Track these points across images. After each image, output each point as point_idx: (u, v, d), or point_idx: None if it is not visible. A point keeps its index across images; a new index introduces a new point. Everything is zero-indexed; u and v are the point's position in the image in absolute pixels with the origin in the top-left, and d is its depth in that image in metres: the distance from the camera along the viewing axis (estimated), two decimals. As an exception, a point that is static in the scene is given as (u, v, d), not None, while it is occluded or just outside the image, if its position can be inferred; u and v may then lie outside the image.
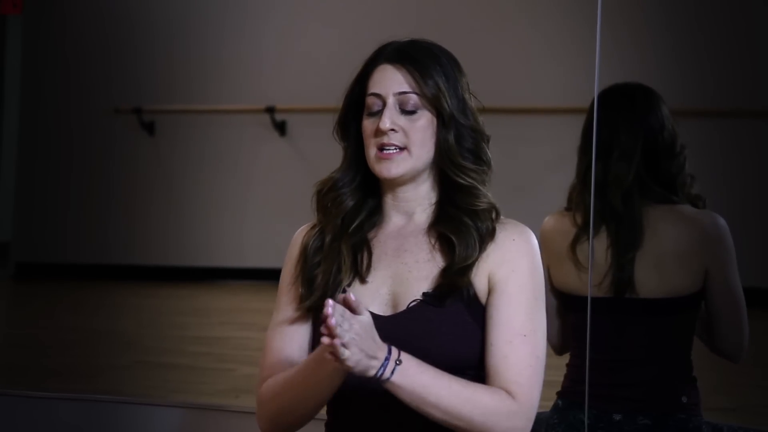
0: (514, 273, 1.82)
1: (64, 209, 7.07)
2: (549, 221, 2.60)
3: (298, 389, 1.80)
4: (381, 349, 1.68)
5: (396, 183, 1.87)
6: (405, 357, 1.70)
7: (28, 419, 3.19)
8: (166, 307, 6.18)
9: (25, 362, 4.59)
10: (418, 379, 1.71)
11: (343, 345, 1.63)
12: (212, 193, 6.81)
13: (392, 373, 1.69)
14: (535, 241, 1.86)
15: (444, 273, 1.82)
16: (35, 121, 7.08)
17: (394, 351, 1.70)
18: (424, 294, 1.82)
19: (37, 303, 6.39)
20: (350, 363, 1.65)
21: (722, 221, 2.50)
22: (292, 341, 1.88)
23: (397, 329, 1.79)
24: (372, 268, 1.87)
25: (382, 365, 1.68)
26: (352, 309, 1.66)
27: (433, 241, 1.86)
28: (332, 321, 1.61)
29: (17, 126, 7.15)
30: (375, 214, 1.91)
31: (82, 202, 7.04)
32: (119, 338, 5.18)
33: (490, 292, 1.82)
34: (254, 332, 5.03)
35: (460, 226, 1.84)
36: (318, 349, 1.73)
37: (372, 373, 1.68)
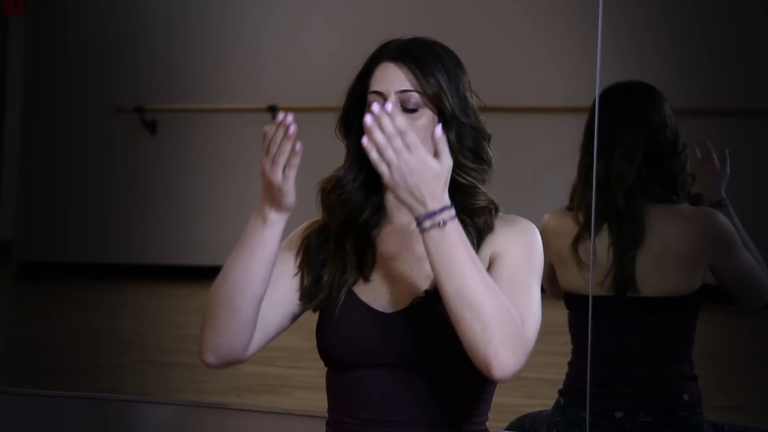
0: (512, 246, 1.81)
1: (66, 208, 7.07)
2: (550, 220, 2.60)
3: (231, 269, 1.79)
4: (435, 200, 1.67)
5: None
6: (452, 225, 1.68)
7: (29, 418, 3.19)
8: (167, 306, 6.18)
9: (26, 361, 4.59)
10: (453, 248, 1.68)
11: (385, 162, 1.64)
12: (213, 192, 6.81)
13: (431, 227, 1.68)
14: (537, 233, 1.85)
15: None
16: (37, 120, 7.09)
17: (447, 213, 1.68)
18: (426, 291, 1.82)
19: (37, 302, 6.40)
20: (387, 181, 1.67)
21: (720, 217, 2.51)
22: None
23: (400, 326, 1.80)
24: (375, 266, 1.87)
25: (427, 215, 1.67)
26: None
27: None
28: (368, 120, 1.64)
29: (19, 125, 7.15)
30: (378, 212, 1.91)
31: (84, 202, 7.05)
32: (120, 337, 5.18)
33: (488, 271, 1.80)
34: (255, 331, 5.03)
35: None
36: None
37: (414, 214, 1.68)
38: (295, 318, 1.91)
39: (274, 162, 1.71)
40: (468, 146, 1.86)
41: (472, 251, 1.70)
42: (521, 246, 1.82)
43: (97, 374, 4.39)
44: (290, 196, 1.74)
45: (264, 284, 1.80)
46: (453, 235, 1.68)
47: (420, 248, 1.86)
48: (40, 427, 3.16)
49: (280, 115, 1.70)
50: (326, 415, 1.91)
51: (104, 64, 7.00)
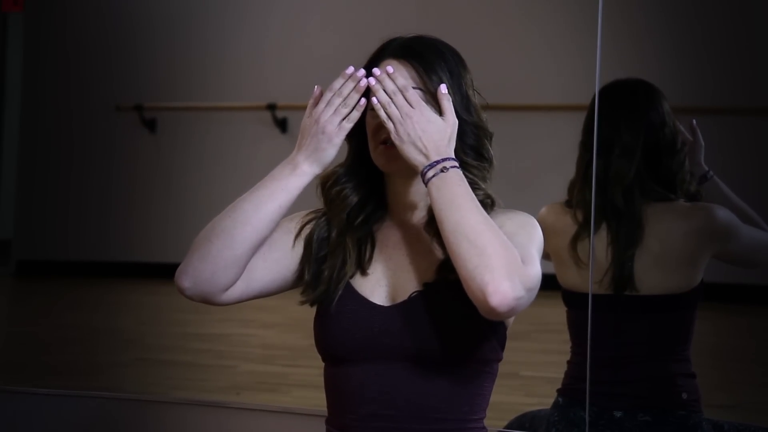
0: (507, 221, 1.82)
1: (65, 207, 7.07)
2: (548, 216, 2.59)
3: (243, 204, 1.83)
4: (439, 153, 1.75)
5: (398, 177, 1.88)
6: (453, 171, 1.74)
7: (29, 416, 3.19)
8: (167, 304, 6.18)
9: (26, 359, 4.59)
10: (453, 188, 1.73)
11: (391, 119, 1.75)
12: (213, 190, 6.81)
13: (433, 175, 1.74)
14: (536, 221, 1.85)
15: (443, 265, 1.83)
16: (36, 118, 7.08)
17: (449, 162, 1.75)
18: (425, 285, 1.83)
19: (37, 300, 6.40)
20: (394, 138, 1.76)
21: (718, 210, 2.49)
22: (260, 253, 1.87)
23: (398, 319, 1.80)
24: (373, 260, 1.89)
25: (430, 165, 1.74)
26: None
27: (432, 234, 1.86)
28: (370, 80, 1.78)
29: (18, 123, 7.15)
30: (379, 208, 1.93)
31: (83, 200, 7.04)
32: (120, 335, 5.18)
33: None
34: (255, 329, 5.03)
35: None
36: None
37: (419, 169, 1.76)
38: (280, 289, 1.91)
39: (336, 112, 1.79)
40: (470, 144, 1.87)
41: (473, 196, 1.74)
42: (517, 222, 1.83)
43: (97, 372, 4.39)
44: (334, 149, 1.81)
45: (267, 230, 1.82)
46: (454, 178, 1.74)
47: (418, 243, 1.87)
48: (40, 426, 3.16)
49: (350, 69, 1.80)
50: (325, 413, 1.91)
51: (104, 62, 7.00)
